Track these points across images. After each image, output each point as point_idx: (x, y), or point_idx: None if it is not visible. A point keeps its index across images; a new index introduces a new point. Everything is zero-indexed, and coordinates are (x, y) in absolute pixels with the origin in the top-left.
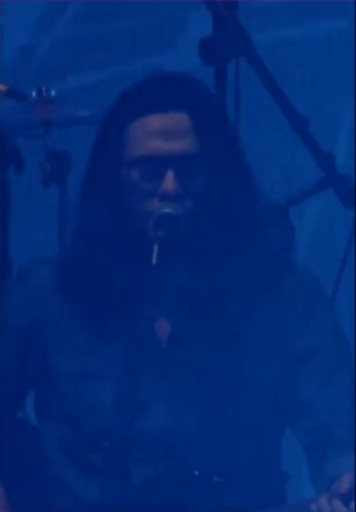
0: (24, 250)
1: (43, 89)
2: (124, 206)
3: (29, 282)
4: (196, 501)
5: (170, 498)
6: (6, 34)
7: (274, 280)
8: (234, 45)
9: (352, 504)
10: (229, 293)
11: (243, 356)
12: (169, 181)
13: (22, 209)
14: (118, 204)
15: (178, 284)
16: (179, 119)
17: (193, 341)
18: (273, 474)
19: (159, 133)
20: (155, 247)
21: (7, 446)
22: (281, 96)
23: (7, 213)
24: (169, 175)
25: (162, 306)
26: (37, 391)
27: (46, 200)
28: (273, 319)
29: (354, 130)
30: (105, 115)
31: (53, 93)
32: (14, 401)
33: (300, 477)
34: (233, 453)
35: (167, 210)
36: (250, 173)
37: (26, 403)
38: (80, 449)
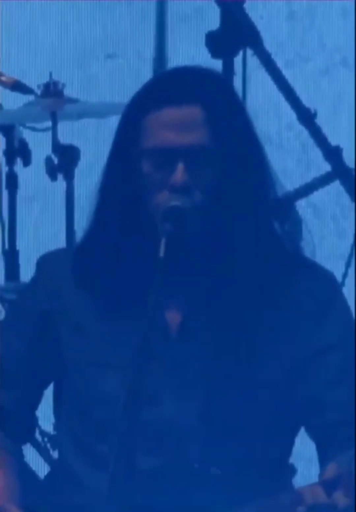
0: (31, 244)
1: (51, 82)
2: (138, 197)
3: (45, 271)
4: (200, 494)
5: (175, 490)
6: (13, 26)
7: (286, 274)
8: (241, 37)
9: (337, 493)
10: (238, 286)
11: (254, 350)
12: (179, 173)
13: (29, 202)
14: (133, 196)
15: (188, 276)
16: (192, 112)
17: (202, 333)
18: (280, 469)
19: (172, 125)
20: (163, 241)
21: (20, 437)
22: (287, 88)
23: (14, 206)
24: (180, 167)
25: (173, 298)
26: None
27: (53, 193)
28: (286, 315)
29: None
30: (127, 107)
31: (60, 86)
32: (29, 390)
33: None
34: (239, 447)
35: (175, 203)
36: (266, 168)
37: (42, 392)
38: (88, 438)
